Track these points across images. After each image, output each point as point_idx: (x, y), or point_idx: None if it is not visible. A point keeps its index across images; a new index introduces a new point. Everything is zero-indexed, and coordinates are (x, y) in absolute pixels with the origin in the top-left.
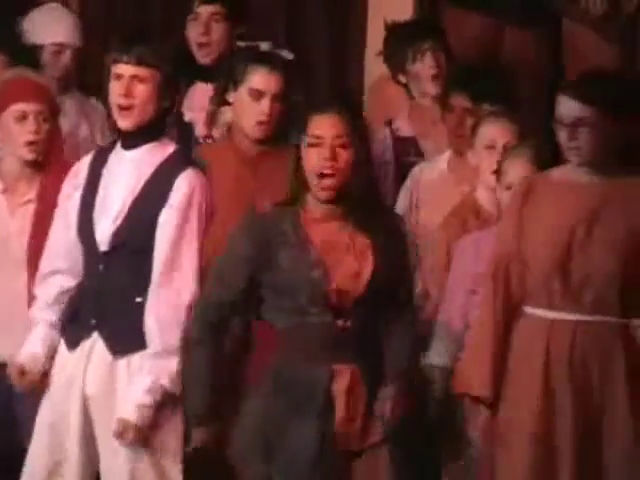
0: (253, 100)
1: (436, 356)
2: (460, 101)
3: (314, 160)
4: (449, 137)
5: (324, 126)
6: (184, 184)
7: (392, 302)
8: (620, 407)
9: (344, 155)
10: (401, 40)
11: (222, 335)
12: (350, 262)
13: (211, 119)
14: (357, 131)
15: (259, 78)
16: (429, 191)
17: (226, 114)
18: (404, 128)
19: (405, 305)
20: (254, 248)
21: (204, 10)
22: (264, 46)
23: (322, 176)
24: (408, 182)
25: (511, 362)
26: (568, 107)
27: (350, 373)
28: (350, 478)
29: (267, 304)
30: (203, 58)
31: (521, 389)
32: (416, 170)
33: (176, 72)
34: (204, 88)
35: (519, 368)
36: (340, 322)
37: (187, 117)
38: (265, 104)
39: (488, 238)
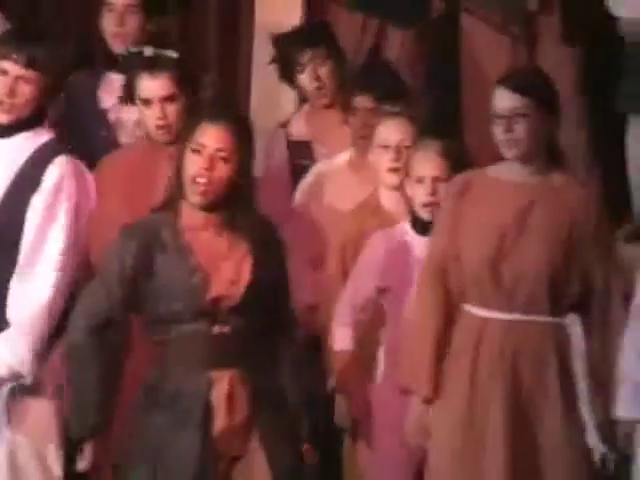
0: (146, 107)
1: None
2: (364, 102)
3: (193, 166)
4: (353, 138)
5: (209, 136)
6: (54, 171)
7: (273, 312)
8: (552, 406)
9: (223, 168)
10: (285, 51)
11: (105, 340)
12: (228, 269)
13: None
14: (242, 144)
15: (143, 86)
16: (330, 188)
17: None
18: (299, 132)
19: (286, 320)
20: (133, 254)
21: (119, 1)
22: (147, 51)
23: (197, 183)
24: (309, 178)
25: (447, 358)
26: (505, 98)
27: (229, 379)
28: None
29: (144, 314)
30: (117, 48)
31: (450, 385)
32: (317, 167)
33: (66, 73)
34: (119, 78)
35: (451, 364)
36: (217, 328)
37: (103, 105)
38: (156, 109)
39: (396, 235)
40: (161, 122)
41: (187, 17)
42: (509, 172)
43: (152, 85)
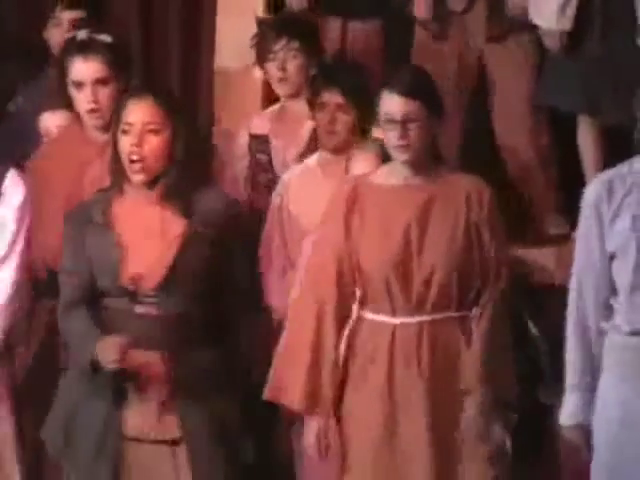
0: (78, 91)
1: None
2: (332, 97)
3: (125, 146)
4: (321, 134)
5: (134, 112)
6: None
7: (226, 293)
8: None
9: (154, 140)
10: (262, 35)
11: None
12: (154, 248)
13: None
14: (172, 114)
15: (75, 68)
16: (299, 189)
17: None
18: (261, 125)
19: (243, 295)
20: (72, 234)
21: (66, 15)
22: (81, 34)
23: (132, 161)
24: (279, 187)
25: (353, 368)
26: (397, 103)
27: (148, 361)
28: (140, 468)
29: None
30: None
31: (365, 399)
32: (287, 174)
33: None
34: None
35: (362, 379)
36: (140, 308)
37: None
38: (88, 92)
39: None
40: (93, 105)
41: (148, 29)
42: (397, 176)
43: (84, 68)
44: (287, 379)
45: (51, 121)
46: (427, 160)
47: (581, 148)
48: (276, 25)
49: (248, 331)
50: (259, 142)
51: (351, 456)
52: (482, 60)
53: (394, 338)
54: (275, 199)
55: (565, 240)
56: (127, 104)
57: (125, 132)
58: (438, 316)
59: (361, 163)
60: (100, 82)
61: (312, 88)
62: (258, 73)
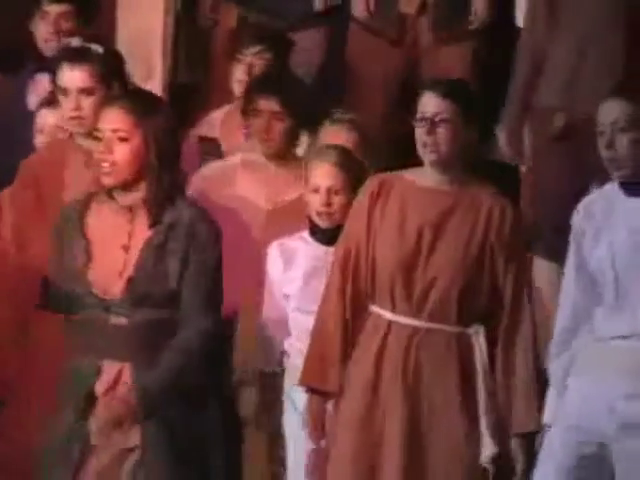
0: (63, 96)
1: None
2: (269, 105)
3: (96, 152)
4: (255, 141)
5: (104, 119)
6: None
7: (184, 307)
8: (451, 414)
9: (123, 148)
10: (238, 40)
11: None
12: (118, 259)
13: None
14: (143, 120)
15: (63, 75)
16: (221, 190)
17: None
18: (212, 128)
19: (189, 314)
20: (54, 240)
21: (53, 9)
22: (74, 42)
23: (101, 168)
24: (196, 180)
25: (351, 358)
26: (431, 102)
27: (116, 372)
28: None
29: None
30: (49, 53)
31: (353, 384)
32: (207, 169)
33: None
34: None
35: (354, 365)
36: (113, 318)
37: (32, 107)
38: (72, 100)
39: (296, 242)
40: (74, 113)
41: None
42: (427, 178)
43: (70, 76)
44: (321, 365)
45: (48, 118)
46: (457, 167)
47: None
48: (254, 33)
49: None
50: (209, 146)
51: (335, 444)
52: (427, 62)
53: (387, 334)
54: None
55: None
56: (100, 112)
57: (97, 139)
58: (434, 326)
59: (318, 171)
60: (85, 92)
61: (248, 95)
62: None
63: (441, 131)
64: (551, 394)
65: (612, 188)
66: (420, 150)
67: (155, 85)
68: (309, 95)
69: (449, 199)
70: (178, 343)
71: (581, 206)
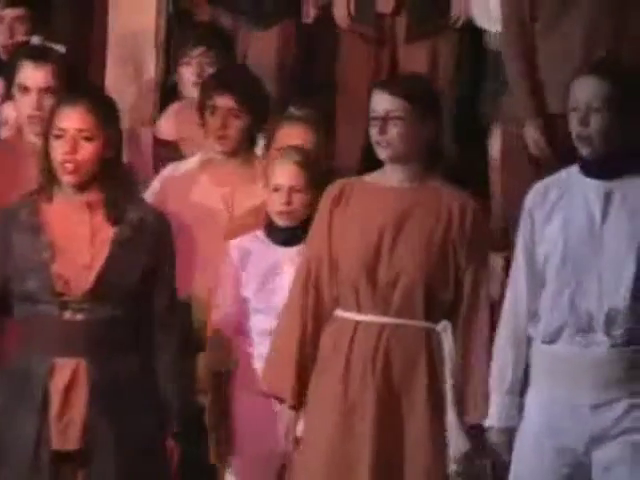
0: (22, 94)
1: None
2: (225, 102)
3: (57, 151)
4: (212, 139)
5: (68, 119)
6: None
7: (147, 303)
8: (419, 410)
9: (88, 148)
10: (183, 41)
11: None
12: (83, 253)
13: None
14: (106, 121)
15: (24, 73)
16: (178, 191)
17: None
18: (167, 130)
19: (162, 312)
20: None
21: (8, 13)
22: (35, 40)
23: (64, 166)
24: (156, 182)
25: (317, 364)
26: (381, 100)
27: (72, 369)
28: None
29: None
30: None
31: (323, 390)
32: (167, 170)
33: None
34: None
35: (323, 370)
36: (68, 314)
37: None
38: (33, 99)
39: (251, 243)
40: (35, 112)
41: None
42: (386, 178)
43: (33, 74)
44: (279, 373)
45: (12, 111)
46: (418, 165)
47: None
48: (198, 33)
49: (166, 347)
50: (167, 148)
51: (306, 449)
52: (404, 62)
53: (355, 335)
54: (150, 198)
55: None
56: (60, 110)
57: (58, 137)
58: (401, 321)
59: (280, 170)
60: (46, 91)
61: (204, 92)
62: None
63: (393, 129)
64: (497, 396)
65: (568, 171)
66: (375, 148)
67: (147, 85)
68: (266, 92)
69: (410, 197)
70: (172, 357)
71: (535, 188)
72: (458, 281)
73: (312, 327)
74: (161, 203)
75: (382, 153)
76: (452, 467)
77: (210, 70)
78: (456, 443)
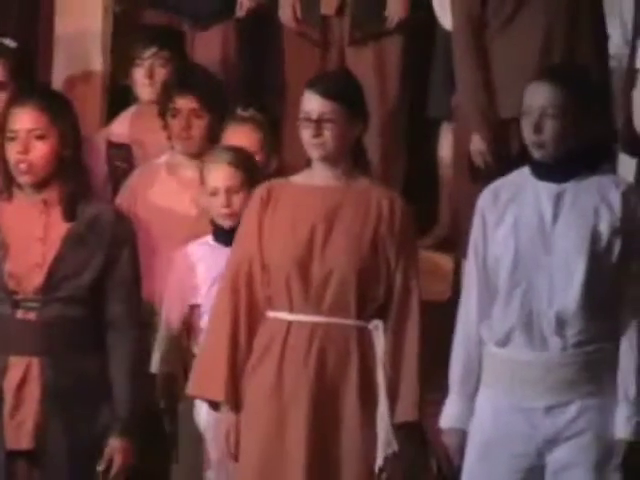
0: None
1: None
2: (187, 103)
3: (11, 153)
4: (176, 141)
5: (19, 120)
6: None
7: (106, 304)
8: (352, 410)
9: (41, 147)
10: (133, 44)
11: None
12: (36, 251)
13: None
14: (58, 118)
15: None
16: (147, 193)
17: None
18: (121, 133)
19: (118, 315)
20: None
21: None
22: None
23: (19, 168)
24: (128, 182)
25: (251, 364)
26: (314, 102)
27: (24, 368)
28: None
29: None
30: None
31: (256, 391)
32: (137, 172)
33: None
34: None
35: (256, 370)
36: (20, 313)
37: None
38: None
39: (201, 248)
40: None
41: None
42: (314, 177)
43: None
44: (209, 375)
45: None
46: (346, 164)
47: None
48: (148, 34)
49: (123, 347)
50: (119, 151)
51: (241, 449)
52: (349, 64)
53: (288, 335)
54: (122, 205)
55: None
56: (11, 111)
57: (11, 139)
58: (334, 320)
59: (215, 173)
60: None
61: (165, 94)
62: None
63: (327, 131)
64: (451, 398)
65: (520, 173)
66: (307, 149)
67: (94, 86)
68: (224, 89)
69: (338, 194)
70: (126, 364)
71: (487, 189)
72: (389, 278)
73: (244, 328)
74: (129, 207)
75: (314, 153)
76: (379, 464)
77: (162, 71)
78: (384, 442)
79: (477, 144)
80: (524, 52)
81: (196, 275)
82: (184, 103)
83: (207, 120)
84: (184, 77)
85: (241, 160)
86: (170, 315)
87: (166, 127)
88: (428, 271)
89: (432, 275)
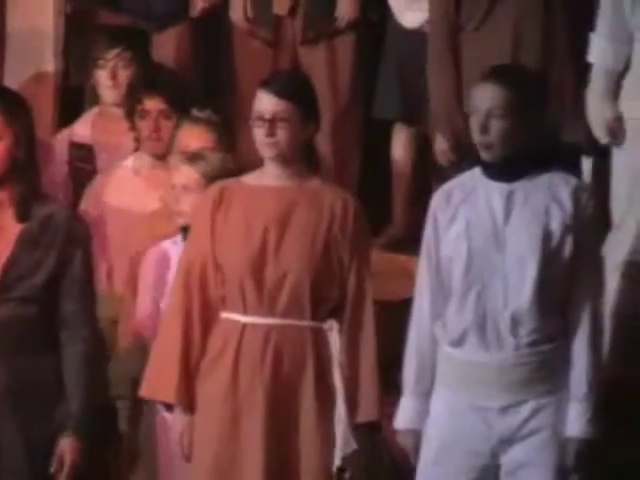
0: None
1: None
2: (155, 104)
3: None
4: (143, 142)
5: None
6: None
7: (59, 303)
8: (308, 411)
9: None
10: (91, 41)
11: None
12: None
13: None
14: (13, 118)
15: None
16: (114, 196)
17: None
18: (83, 134)
19: (69, 315)
20: None
21: None
22: None
23: None
24: (92, 188)
25: (205, 366)
26: (267, 102)
27: None
28: None
29: None
30: None
31: (211, 392)
32: (101, 177)
33: None
34: None
35: (210, 372)
36: None
37: None
38: None
39: (169, 247)
40: None
41: None
42: (266, 177)
43: None
44: (161, 377)
45: None
46: (298, 164)
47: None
48: (110, 35)
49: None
50: (82, 151)
51: (195, 452)
52: (303, 64)
53: (242, 337)
54: (87, 212)
55: None
56: None
57: None
58: (288, 322)
59: (184, 173)
60: None
61: (132, 95)
62: None
63: (280, 131)
64: (406, 399)
65: (471, 174)
66: (259, 148)
67: (47, 87)
68: (190, 91)
69: (291, 194)
70: (78, 363)
71: (439, 190)
72: (342, 278)
73: (197, 328)
74: (95, 213)
75: (267, 153)
76: (336, 464)
77: (125, 72)
78: (342, 442)
79: (440, 144)
80: (495, 53)
81: (166, 275)
82: (153, 104)
83: (174, 120)
84: (151, 78)
85: (201, 158)
86: (142, 319)
87: (133, 129)
88: (384, 271)
89: (388, 274)
